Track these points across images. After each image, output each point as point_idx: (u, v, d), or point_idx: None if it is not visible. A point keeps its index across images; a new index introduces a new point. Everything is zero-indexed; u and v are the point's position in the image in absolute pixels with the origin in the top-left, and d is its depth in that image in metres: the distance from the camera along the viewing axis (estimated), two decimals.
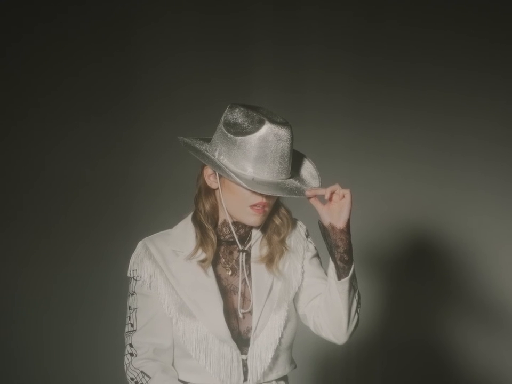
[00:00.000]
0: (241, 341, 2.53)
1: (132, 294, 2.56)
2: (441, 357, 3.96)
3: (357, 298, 2.48)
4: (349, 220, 2.43)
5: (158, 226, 2.67)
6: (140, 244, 2.59)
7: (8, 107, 4.10)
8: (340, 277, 2.43)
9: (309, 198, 2.45)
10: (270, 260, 2.56)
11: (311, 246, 2.63)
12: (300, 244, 2.61)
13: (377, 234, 4.03)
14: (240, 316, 2.54)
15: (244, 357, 2.52)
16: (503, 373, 3.97)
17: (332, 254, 2.45)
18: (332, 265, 2.44)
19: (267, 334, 2.53)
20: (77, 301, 4.10)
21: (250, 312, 2.54)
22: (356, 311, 2.49)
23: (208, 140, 2.56)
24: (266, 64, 4.09)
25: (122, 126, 4.13)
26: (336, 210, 2.42)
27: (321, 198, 2.43)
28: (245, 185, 2.41)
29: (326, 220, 2.43)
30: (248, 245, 2.58)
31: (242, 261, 2.56)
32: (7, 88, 4.12)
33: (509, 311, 3.98)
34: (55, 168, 4.12)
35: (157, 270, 2.54)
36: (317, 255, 2.63)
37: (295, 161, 2.52)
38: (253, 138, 2.43)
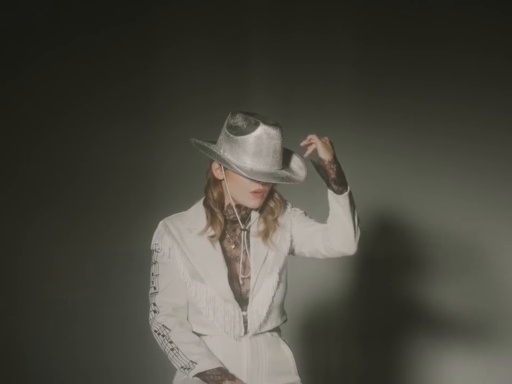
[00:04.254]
0: (242, 300, 2.59)
1: (154, 263, 2.63)
2: (407, 310, 3.97)
3: (357, 214, 2.53)
4: (333, 155, 2.48)
5: (173, 208, 2.72)
6: (161, 223, 2.65)
7: (52, 111, 4.10)
8: (339, 194, 2.48)
9: (306, 147, 2.53)
10: (265, 235, 2.62)
11: (296, 211, 2.69)
12: (287, 219, 2.66)
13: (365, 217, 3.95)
14: (241, 281, 2.60)
15: (244, 313, 2.58)
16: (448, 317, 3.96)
17: (326, 182, 2.51)
18: (329, 191, 2.51)
19: (262, 293, 2.59)
20: (108, 270, 4.10)
21: (249, 277, 2.60)
22: (358, 224, 2.54)
23: (213, 142, 2.62)
24: (261, 77, 4.08)
25: (144, 127, 4.14)
26: (321, 144, 2.47)
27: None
28: (245, 175, 2.49)
29: (318, 157, 2.50)
30: (249, 225, 2.64)
31: (243, 237, 2.63)
32: (51, 95, 4.10)
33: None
34: (91, 161, 4.11)
35: (175, 244, 2.61)
36: (304, 213, 2.69)
37: (285, 156, 2.58)
38: (250, 137, 2.50)
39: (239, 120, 2.54)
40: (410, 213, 4.03)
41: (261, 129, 2.49)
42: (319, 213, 2.61)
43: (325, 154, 2.48)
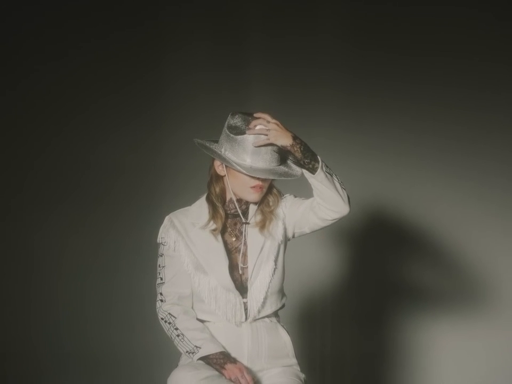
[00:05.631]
0: (243, 288, 2.63)
1: (161, 256, 2.67)
2: (398, 296, 3.99)
3: (336, 179, 2.52)
4: (292, 137, 2.47)
5: (178, 204, 2.76)
6: (167, 218, 2.69)
7: (66, 112, 4.10)
8: (313, 172, 2.48)
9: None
10: (262, 226, 2.65)
11: (287, 199, 2.70)
12: (279, 208, 2.68)
13: (357, 209, 3.85)
14: (241, 271, 2.63)
15: (244, 300, 2.62)
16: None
17: (297, 163, 2.53)
18: (304, 170, 2.51)
19: (260, 280, 2.62)
20: (116, 260, 4.10)
21: (248, 266, 2.64)
22: (341, 187, 2.53)
23: (215, 141, 2.65)
24: (259, 80, 4.10)
25: (150, 128, 4.14)
26: (273, 139, 2.49)
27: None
28: (245, 172, 2.53)
29: (280, 146, 2.50)
30: (249, 218, 2.67)
31: (244, 230, 2.66)
32: (65, 97, 4.10)
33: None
34: (101, 159, 4.10)
35: (179, 237, 2.65)
36: (293, 197, 2.70)
37: (283, 152, 2.59)
38: (250, 137, 2.53)
39: (238, 120, 2.56)
40: (401, 204, 4.04)
41: (257, 133, 2.52)
42: (310, 195, 2.61)
43: (283, 143, 2.50)
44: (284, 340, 2.70)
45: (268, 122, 2.50)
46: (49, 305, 4.10)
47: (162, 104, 4.15)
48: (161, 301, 2.65)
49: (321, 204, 2.54)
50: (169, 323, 2.62)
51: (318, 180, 2.49)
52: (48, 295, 4.10)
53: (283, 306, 2.74)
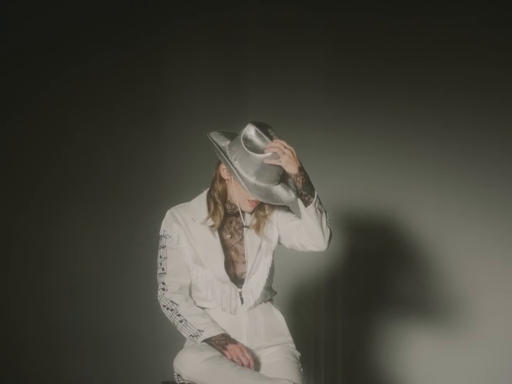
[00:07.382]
0: (238, 281, 2.72)
1: (163, 247, 2.74)
2: (384, 288, 4.02)
3: (325, 217, 2.58)
4: (299, 168, 2.53)
5: (179, 201, 2.82)
6: (168, 212, 2.76)
7: (78, 118, 4.10)
8: (306, 205, 2.55)
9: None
10: (257, 228, 2.74)
11: (283, 206, 2.76)
12: (274, 213, 2.77)
13: (350, 206, 4.04)
14: (236, 267, 2.72)
15: (239, 290, 2.71)
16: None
17: (296, 192, 2.59)
18: (299, 200, 2.58)
19: (257, 276, 2.72)
20: (125, 250, 4.11)
21: (244, 263, 2.73)
22: (327, 225, 2.59)
23: (229, 135, 2.69)
24: (257, 86, 4.13)
25: (156, 131, 4.15)
26: (284, 163, 2.56)
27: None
28: (248, 192, 2.60)
29: (286, 171, 2.58)
30: (249, 223, 2.74)
31: (243, 232, 2.75)
32: (80, 104, 4.10)
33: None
34: (111, 160, 4.11)
35: (181, 231, 2.72)
36: (287, 208, 2.78)
37: (286, 175, 2.66)
38: (260, 157, 2.58)
39: (254, 135, 2.59)
40: (399, 201, 4.05)
41: (272, 153, 2.58)
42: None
43: (290, 169, 2.57)
44: (278, 319, 2.79)
45: (285, 147, 2.56)
46: (65, 290, 4.14)
47: (167, 109, 4.18)
48: (163, 289, 2.73)
49: (304, 233, 2.63)
50: (172, 310, 2.70)
51: (308, 213, 2.57)
52: (64, 280, 4.14)
53: (274, 294, 2.84)
